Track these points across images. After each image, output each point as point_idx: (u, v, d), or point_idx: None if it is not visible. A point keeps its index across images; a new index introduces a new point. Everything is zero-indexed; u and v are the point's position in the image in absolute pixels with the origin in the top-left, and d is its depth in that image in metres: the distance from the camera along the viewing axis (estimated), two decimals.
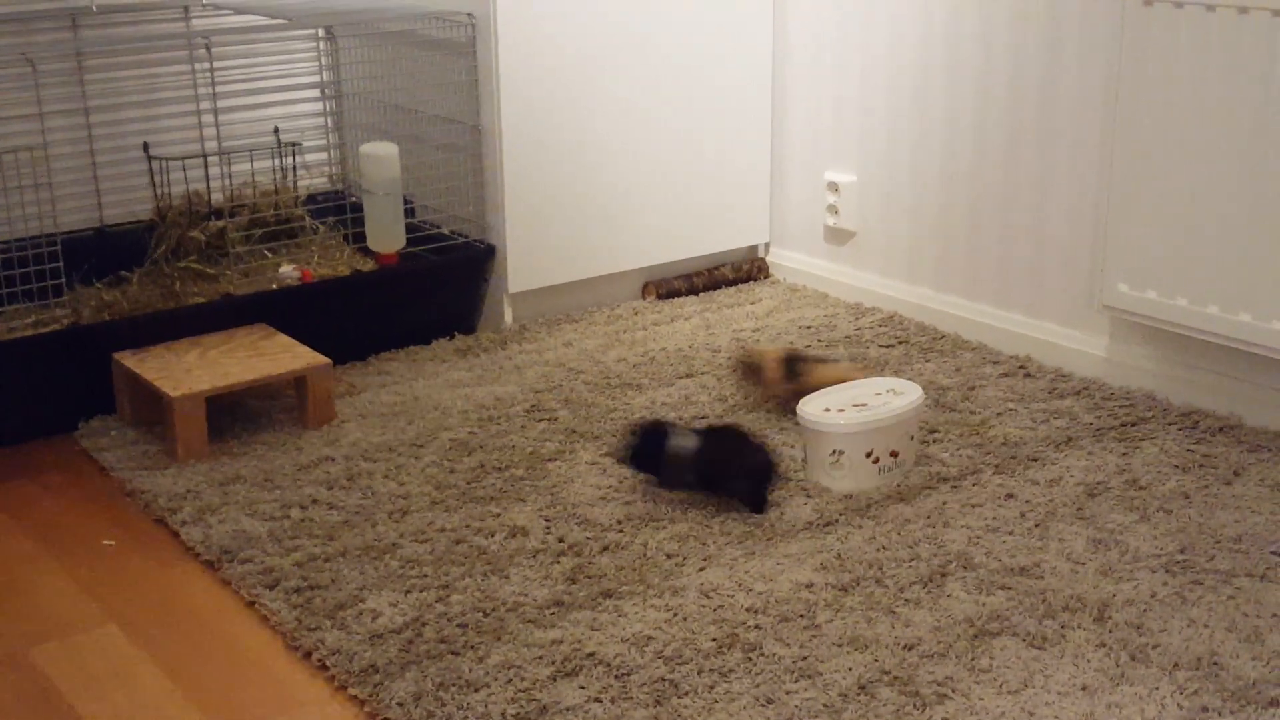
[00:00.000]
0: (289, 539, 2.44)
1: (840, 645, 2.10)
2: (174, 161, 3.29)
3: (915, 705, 1.96)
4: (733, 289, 3.73)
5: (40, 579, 2.40)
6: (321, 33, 3.62)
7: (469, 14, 3.30)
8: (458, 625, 2.17)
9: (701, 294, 3.69)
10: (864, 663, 2.05)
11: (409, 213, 3.46)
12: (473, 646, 2.11)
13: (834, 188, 3.61)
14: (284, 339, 3.01)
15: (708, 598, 2.23)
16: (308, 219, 3.44)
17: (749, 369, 2.97)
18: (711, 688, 2.00)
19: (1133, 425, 2.82)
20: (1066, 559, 2.33)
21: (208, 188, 3.27)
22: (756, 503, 2.50)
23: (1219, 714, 1.93)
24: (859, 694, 1.98)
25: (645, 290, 3.67)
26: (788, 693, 1.99)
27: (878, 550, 2.37)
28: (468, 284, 3.41)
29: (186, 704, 2.05)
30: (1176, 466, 2.64)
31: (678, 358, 3.23)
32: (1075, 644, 2.09)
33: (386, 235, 3.34)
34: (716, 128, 3.65)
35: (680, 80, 3.56)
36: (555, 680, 2.03)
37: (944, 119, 3.31)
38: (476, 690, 2.01)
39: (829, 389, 2.70)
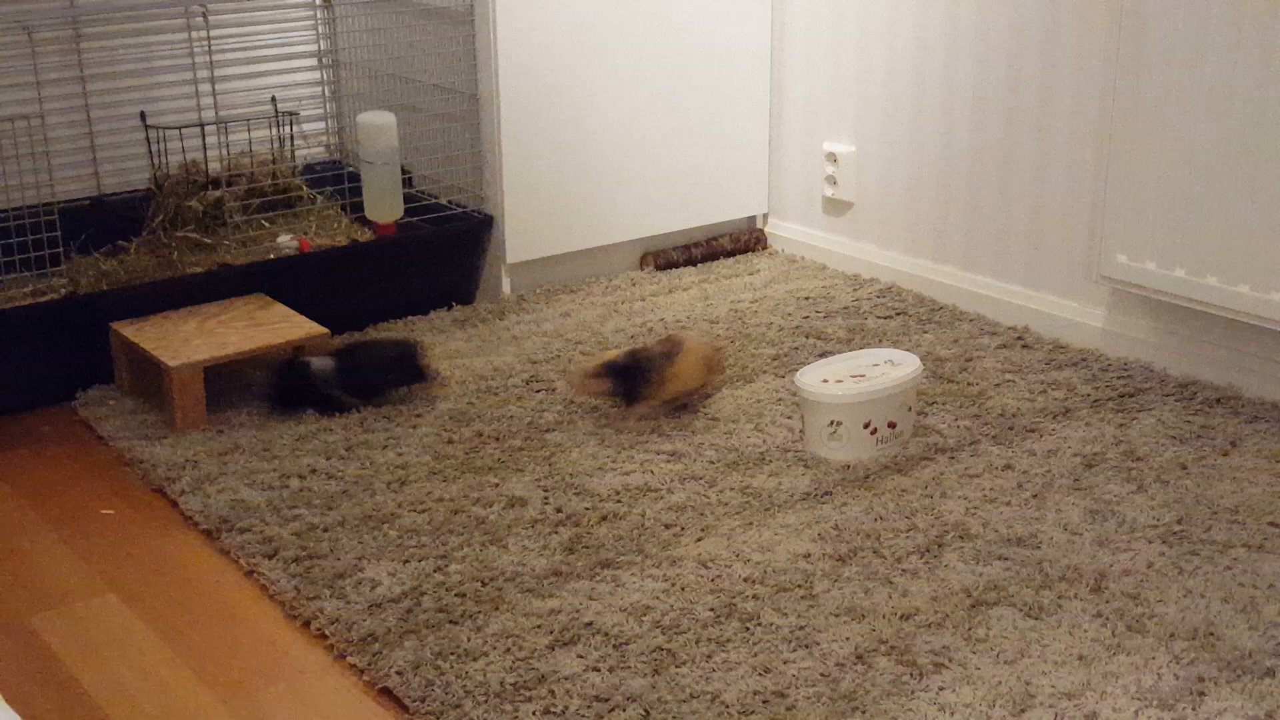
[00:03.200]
0: (288, 508, 2.45)
1: (838, 615, 2.10)
2: (171, 131, 3.28)
3: (912, 675, 1.96)
4: (731, 260, 3.72)
5: (39, 548, 2.41)
6: (319, 0, 3.60)
7: None
8: (456, 595, 2.17)
9: (700, 265, 3.68)
10: (861, 632, 2.06)
11: (407, 182, 3.45)
12: (471, 616, 2.12)
13: (832, 158, 3.60)
14: (282, 309, 3.01)
15: (705, 568, 2.24)
16: (305, 189, 3.43)
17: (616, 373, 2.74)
18: (709, 657, 2.01)
19: (1130, 396, 2.83)
20: (1063, 529, 2.33)
21: (205, 157, 3.26)
22: (413, 375, 2.81)
23: (1215, 683, 1.93)
24: (856, 663, 1.99)
25: (643, 261, 3.67)
26: (785, 662, 1.99)
27: (875, 521, 2.37)
28: (466, 254, 3.40)
29: (185, 672, 2.06)
30: (1174, 437, 2.64)
31: (675, 328, 3.22)
32: (1072, 614, 2.10)
33: (384, 205, 3.34)
34: (715, 98, 3.64)
35: (679, 50, 3.54)
36: (553, 649, 2.03)
37: (943, 90, 3.30)
38: (475, 659, 2.01)
39: (823, 362, 2.70)
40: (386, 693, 1.99)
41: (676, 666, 1.99)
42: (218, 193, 3.23)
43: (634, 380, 2.71)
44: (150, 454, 2.66)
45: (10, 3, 3.19)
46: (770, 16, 3.66)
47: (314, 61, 3.65)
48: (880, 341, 3.11)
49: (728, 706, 1.90)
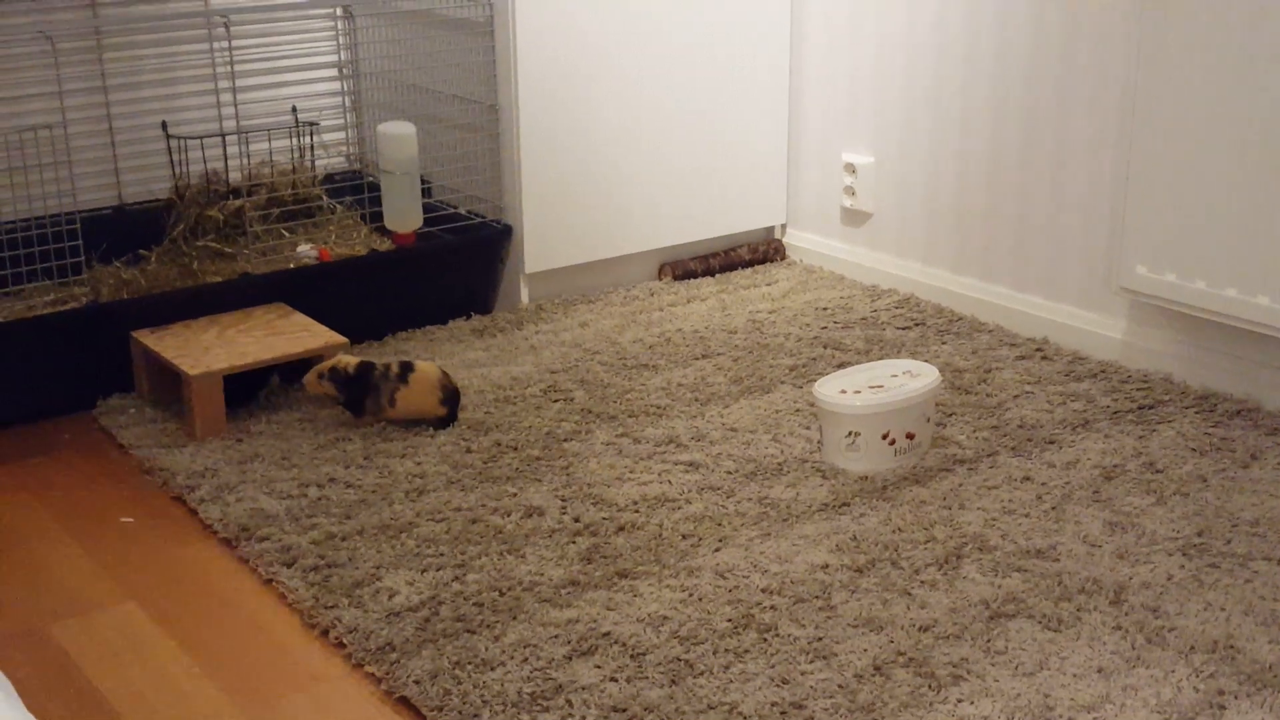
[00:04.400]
0: (306, 517, 2.45)
1: (856, 626, 2.10)
2: (192, 140, 3.29)
3: (930, 686, 1.96)
4: (749, 270, 3.72)
5: (59, 556, 2.42)
6: (340, 11, 3.62)
7: None
8: (474, 604, 2.17)
9: (718, 275, 3.68)
10: (879, 644, 2.06)
11: (426, 192, 3.46)
12: (489, 625, 2.12)
13: (851, 169, 3.60)
14: (301, 318, 3.02)
15: (723, 578, 2.24)
16: (325, 198, 3.44)
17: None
18: (727, 668, 2.01)
19: (1150, 408, 2.82)
20: (1083, 541, 2.33)
21: (226, 167, 3.28)
22: None
23: (1235, 697, 1.92)
24: (874, 675, 1.98)
25: (661, 271, 3.67)
26: (803, 673, 1.99)
27: (893, 532, 2.37)
28: (484, 264, 3.41)
29: (204, 681, 2.06)
30: (1194, 449, 2.63)
31: (693, 339, 3.23)
32: (1091, 626, 2.09)
33: (404, 215, 3.34)
34: (734, 108, 3.64)
35: (698, 61, 3.55)
36: (571, 659, 2.03)
37: (961, 100, 3.30)
38: (492, 669, 2.02)
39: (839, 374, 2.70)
40: (404, 702, 1.99)
41: (694, 677, 1.99)
42: (238, 202, 3.25)
43: (360, 392, 2.76)
44: (170, 462, 2.67)
45: (33, 13, 3.21)
46: (789, 27, 3.66)
47: (334, 72, 3.66)
48: (899, 352, 3.11)
49: (745, 717, 1.90)
